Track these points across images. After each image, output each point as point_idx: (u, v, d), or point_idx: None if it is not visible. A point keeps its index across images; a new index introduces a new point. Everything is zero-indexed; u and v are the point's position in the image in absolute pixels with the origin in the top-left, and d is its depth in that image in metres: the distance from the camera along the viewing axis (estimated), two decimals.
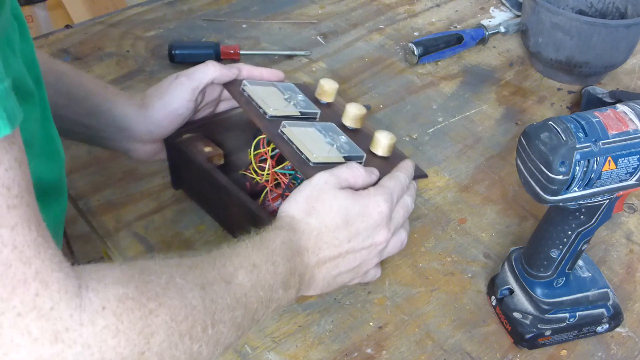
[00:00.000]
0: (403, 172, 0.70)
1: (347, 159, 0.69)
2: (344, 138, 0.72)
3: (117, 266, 0.47)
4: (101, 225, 0.79)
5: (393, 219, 0.66)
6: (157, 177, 0.85)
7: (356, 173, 0.66)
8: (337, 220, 0.63)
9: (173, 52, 1.02)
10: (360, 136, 0.76)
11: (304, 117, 0.75)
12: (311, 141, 0.69)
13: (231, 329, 0.52)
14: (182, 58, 1.03)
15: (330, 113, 0.79)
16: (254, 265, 0.55)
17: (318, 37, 1.13)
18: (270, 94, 0.76)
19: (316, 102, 0.80)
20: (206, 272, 0.52)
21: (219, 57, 1.03)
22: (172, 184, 0.83)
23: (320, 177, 0.64)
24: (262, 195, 0.73)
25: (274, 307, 0.58)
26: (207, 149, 0.77)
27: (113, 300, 0.43)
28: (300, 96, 0.78)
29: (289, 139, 0.69)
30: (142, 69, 1.03)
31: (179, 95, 0.74)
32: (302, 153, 0.67)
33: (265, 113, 0.72)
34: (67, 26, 1.12)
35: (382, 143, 0.72)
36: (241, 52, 1.04)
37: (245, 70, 0.78)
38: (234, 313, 0.52)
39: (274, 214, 0.71)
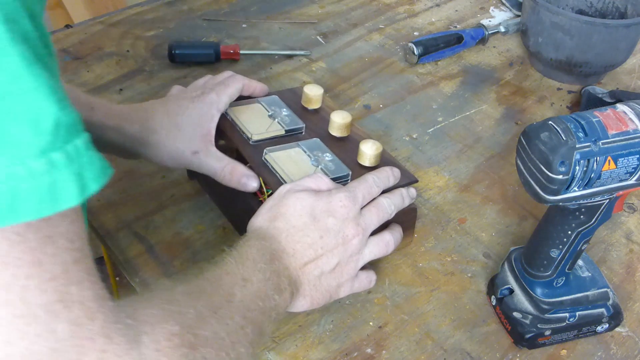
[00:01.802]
0: (374, 174, 0.69)
1: (334, 180, 0.69)
2: (328, 156, 0.73)
3: (149, 300, 0.47)
4: (101, 225, 0.79)
5: (363, 216, 0.66)
6: (157, 177, 0.85)
7: (319, 181, 0.66)
8: (304, 218, 0.63)
9: (173, 52, 1.02)
10: (348, 145, 0.77)
11: (289, 135, 0.76)
12: (295, 166, 0.71)
13: (246, 346, 0.52)
14: (182, 58, 1.03)
15: (318, 121, 0.80)
16: (245, 280, 0.56)
17: (318, 37, 1.13)
18: (254, 114, 0.78)
19: (303, 110, 0.81)
20: (212, 296, 0.52)
21: (219, 57, 1.03)
22: (187, 174, 0.84)
23: (283, 188, 0.65)
24: (267, 194, 0.74)
25: (275, 316, 0.58)
26: (221, 142, 0.79)
27: (163, 340, 0.44)
28: (285, 110, 0.79)
29: (272, 166, 0.71)
30: (142, 69, 1.03)
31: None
32: (286, 182, 0.69)
33: (248, 138, 0.74)
34: (67, 26, 1.12)
35: (367, 155, 0.73)
36: (241, 51, 1.04)
37: (246, 81, 0.79)
38: (245, 331, 0.52)
39: None
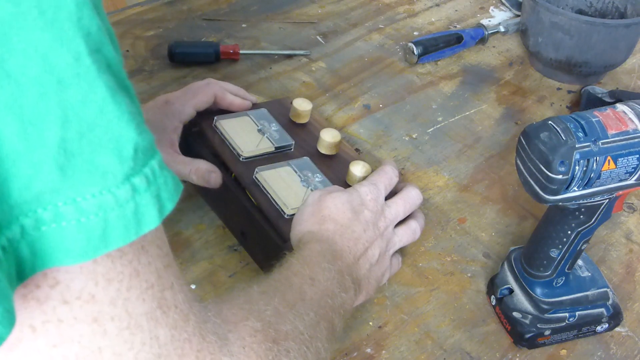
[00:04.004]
0: (392, 164, 0.74)
1: None
2: (318, 176, 0.75)
3: (229, 301, 0.49)
4: None
5: (389, 207, 0.69)
6: None
7: (338, 187, 0.71)
8: (347, 214, 0.66)
9: (173, 51, 1.02)
10: (336, 164, 0.78)
11: (278, 152, 0.77)
12: (285, 187, 0.72)
13: (323, 341, 0.54)
14: (182, 58, 1.03)
15: (306, 136, 0.81)
16: (312, 279, 0.58)
17: (318, 37, 1.13)
18: (243, 128, 0.78)
19: (291, 123, 0.82)
20: (286, 294, 0.54)
21: (219, 57, 1.03)
22: None
23: (314, 195, 0.68)
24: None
25: (343, 313, 0.60)
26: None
27: (247, 337, 0.45)
28: (274, 125, 0.80)
29: (263, 186, 0.72)
30: (142, 69, 1.03)
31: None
32: (277, 204, 0.70)
33: (239, 155, 0.75)
34: None
35: (357, 177, 0.74)
36: (241, 51, 1.04)
37: (220, 91, 0.80)
38: (320, 326, 0.54)
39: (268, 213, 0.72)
